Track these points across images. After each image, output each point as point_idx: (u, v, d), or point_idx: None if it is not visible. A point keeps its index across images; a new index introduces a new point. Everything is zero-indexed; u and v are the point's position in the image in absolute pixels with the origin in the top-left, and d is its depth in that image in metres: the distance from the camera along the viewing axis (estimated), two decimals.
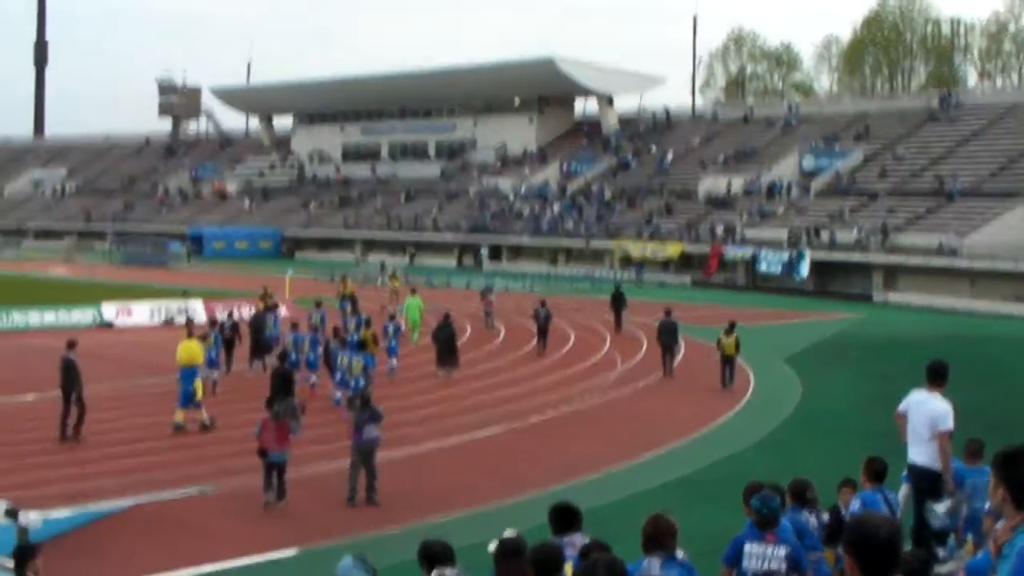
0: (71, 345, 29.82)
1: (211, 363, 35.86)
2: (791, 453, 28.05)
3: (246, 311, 50.68)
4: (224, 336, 39.80)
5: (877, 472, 14.80)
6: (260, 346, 41.34)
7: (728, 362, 39.45)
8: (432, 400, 35.57)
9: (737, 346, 39.47)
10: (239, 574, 18.71)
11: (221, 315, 46.64)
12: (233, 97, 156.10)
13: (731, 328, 39.89)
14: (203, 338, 35.01)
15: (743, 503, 12.06)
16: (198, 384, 31.19)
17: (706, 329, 50.81)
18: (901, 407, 16.01)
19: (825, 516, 14.62)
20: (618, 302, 55.71)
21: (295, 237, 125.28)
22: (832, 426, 32.64)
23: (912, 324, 61.57)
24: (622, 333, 53.94)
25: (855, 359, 46.30)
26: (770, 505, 11.60)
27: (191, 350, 32.14)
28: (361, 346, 35.63)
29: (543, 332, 48.46)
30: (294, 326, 39.68)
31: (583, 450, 28.68)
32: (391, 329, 41.82)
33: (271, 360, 37.63)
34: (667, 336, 42.54)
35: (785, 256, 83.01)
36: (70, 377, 29.08)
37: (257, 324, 42.32)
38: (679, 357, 44.11)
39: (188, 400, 30.84)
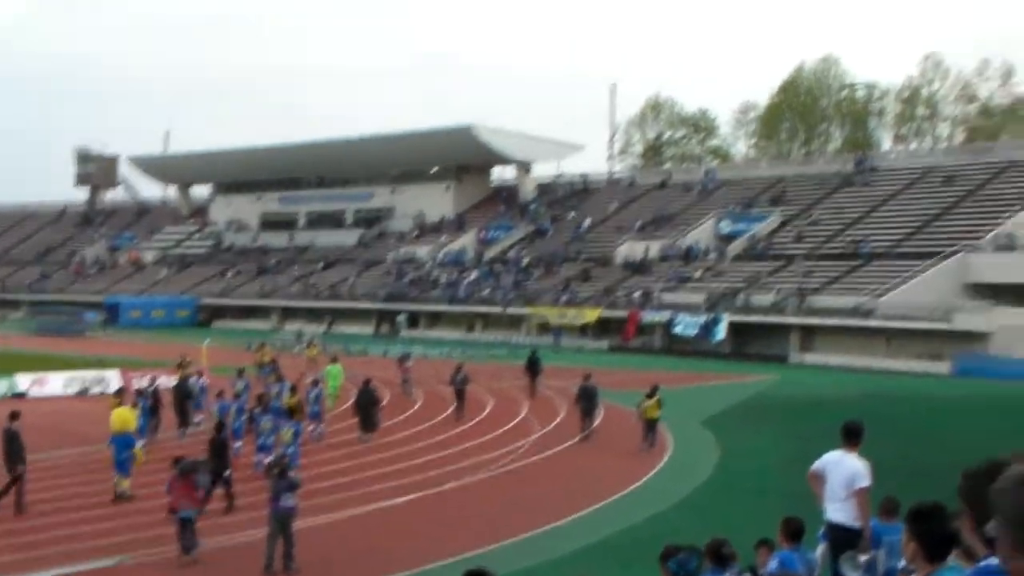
0: (14, 416, 29.39)
1: (140, 431, 35.14)
2: (710, 514, 27.86)
3: (164, 380, 50.21)
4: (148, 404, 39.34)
5: (794, 532, 14.76)
6: (187, 413, 41.45)
7: (650, 425, 39.43)
8: (351, 467, 35.21)
9: (659, 408, 39.57)
10: None
11: (141, 383, 46.21)
12: (151, 166, 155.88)
13: (653, 391, 40.03)
14: (133, 406, 34.63)
15: (660, 565, 11.94)
16: (137, 450, 31.13)
17: (624, 393, 50.77)
18: (816, 467, 16.24)
19: None
20: (533, 367, 55.94)
21: (212, 305, 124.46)
22: (750, 487, 32.57)
23: (829, 384, 61.91)
24: (537, 397, 53.95)
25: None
26: (687, 568, 11.58)
27: (124, 417, 31.92)
28: (290, 414, 35.79)
29: (460, 396, 48.20)
30: (220, 394, 39.69)
31: (502, 515, 28.37)
32: (313, 395, 42.07)
33: (197, 428, 38.81)
34: (586, 401, 42.54)
35: (702, 319, 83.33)
36: (14, 448, 28.57)
37: (183, 391, 42.29)
38: (598, 421, 44.03)
39: (124, 467, 30.47)
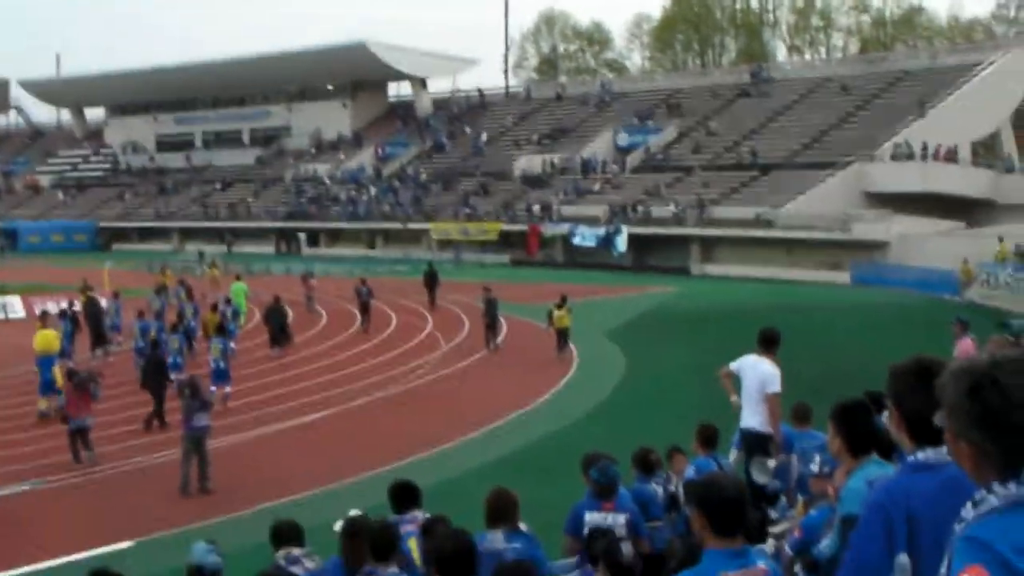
0: None
1: (63, 353, 35.41)
2: (620, 424, 28.08)
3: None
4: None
5: (708, 438, 14.96)
6: (101, 335, 41.99)
7: (562, 334, 40.56)
8: (261, 386, 35.20)
9: (570, 317, 40.83)
10: (77, 569, 18.16)
11: (59, 306, 47.05)
12: (43, 90, 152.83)
13: (563, 301, 41.07)
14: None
15: (582, 473, 12.02)
16: (56, 371, 31.36)
17: (527, 307, 50.97)
18: (732, 366, 16.45)
19: (671, 486, 14.51)
20: (431, 280, 57.34)
21: (111, 228, 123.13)
22: (658, 397, 32.87)
23: (731, 294, 62.43)
24: (437, 309, 54.89)
25: None
26: (608, 474, 11.64)
27: (48, 339, 33.06)
28: (219, 330, 36.28)
29: (365, 309, 49.37)
30: (140, 314, 40.38)
31: (415, 429, 28.44)
32: (229, 313, 43.14)
33: (113, 348, 41.47)
34: (491, 312, 43.30)
35: (601, 231, 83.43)
36: None
37: (95, 313, 42.62)
38: (502, 335, 44.28)
39: (48, 388, 31.28)
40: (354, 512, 9.55)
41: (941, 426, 3.77)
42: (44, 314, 37.67)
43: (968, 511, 3.50)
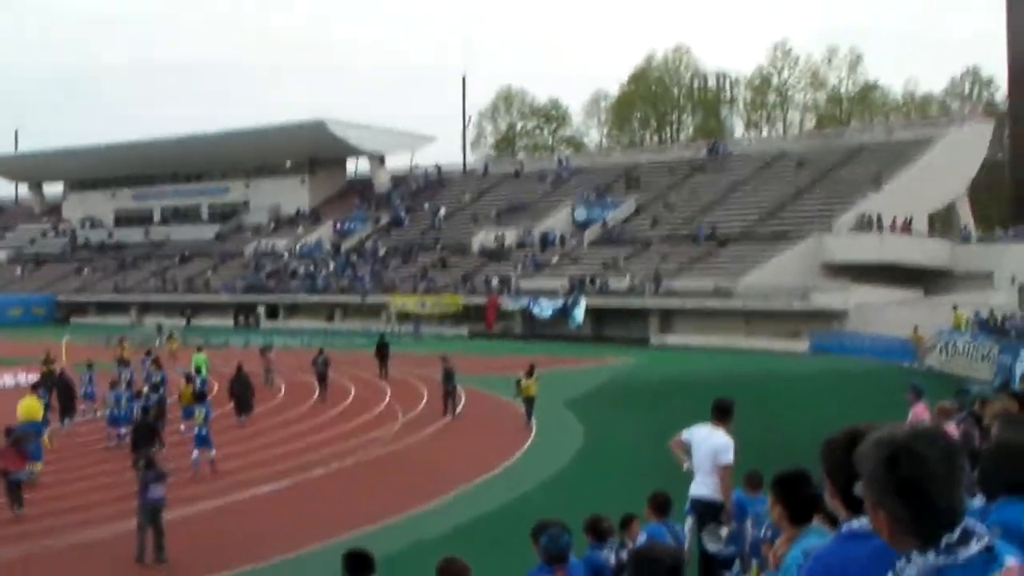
0: None
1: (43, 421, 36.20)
2: (577, 493, 27.99)
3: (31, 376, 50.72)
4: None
5: (661, 505, 15.00)
6: (71, 404, 42.30)
7: (529, 402, 41.17)
8: (221, 456, 34.94)
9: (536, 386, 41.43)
10: None
11: (15, 379, 50.16)
12: (2, 165, 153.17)
13: (531, 370, 41.74)
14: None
15: (532, 541, 11.97)
16: (44, 439, 33.26)
17: (485, 378, 51.02)
18: (683, 435, 16.49)
19: (624, 554, 14.49)
20: (382, 350, 58.21)
21: (70, 302, 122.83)
22: (615, 466, 32.75)
23: (689, 364, 62.59)
24: (390, 379, 55.57)
25: None
26: (558, 542, 11.55)
27: (31, 407, 33.93)
28: (200, 397, 36.91)
29: (322, 379, 50.08)
30: (113, 384, 40.81)
31: (371, 500, 28.29)
32: (198, 383, 44.14)
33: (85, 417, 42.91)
34: (449, 381, 43.78)
35: (559, 303, 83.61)
36: None
37: (67, 383, 43.16)
38: (461, 404, 44.36)
39: (37, 455, 31.48)
40: None
41: (859, 496, 3.82)
42: (35, 386, 38.83)
43: None
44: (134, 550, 22.44)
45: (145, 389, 42.57)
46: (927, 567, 3.48)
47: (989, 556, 3.51)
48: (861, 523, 4.39)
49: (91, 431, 40.87)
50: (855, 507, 4.51)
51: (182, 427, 38.67)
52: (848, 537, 4.50)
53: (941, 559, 3.48)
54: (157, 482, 22.93)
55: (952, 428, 16.88)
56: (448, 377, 43.64)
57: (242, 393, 43.27)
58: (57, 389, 42.55)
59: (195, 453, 32.53)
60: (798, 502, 6.90)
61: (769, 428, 34.25)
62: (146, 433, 31.75)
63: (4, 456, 26.94)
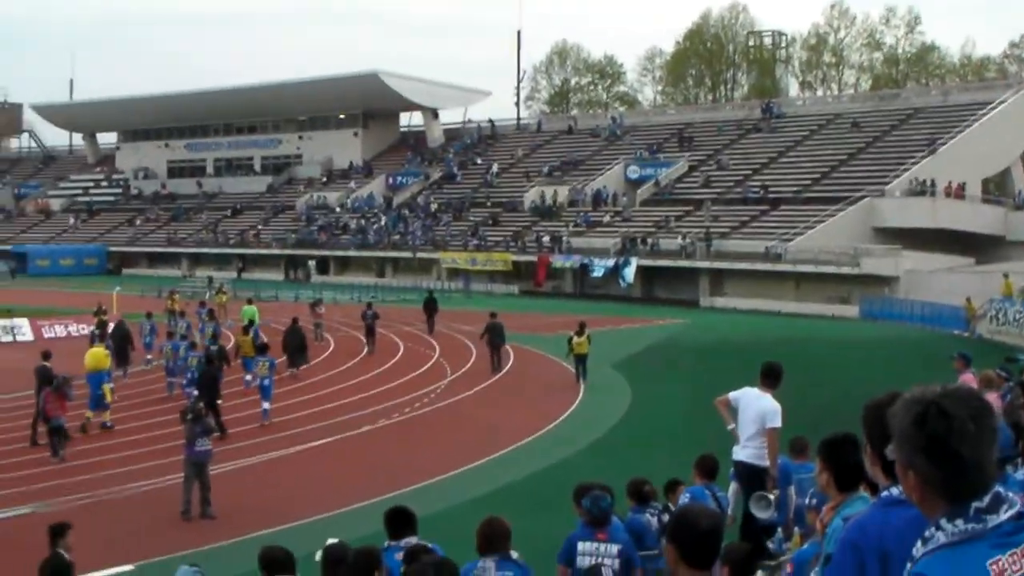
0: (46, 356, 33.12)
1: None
2: (622, 457, 27.90)
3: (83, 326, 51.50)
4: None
5: (708, 469, 15.01)
6: (126, 355, 43.73)
7: (580, 360, 41.20)
8: (272, 409, 35.10)
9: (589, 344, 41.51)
10: None
11: (67, 329, 52.91)
12: (56, 114, 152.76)
13: (582, 328, 41.65)
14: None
15: (574, 503, 12.04)
16: (106, 388, 33.73)
17: (535, 337, 51.03)
18: (731, 396, 16.38)
19: (666, 517, 14.52)
20: (430, 307, 58.25)
21: (121, 253, 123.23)
22: (662, 430, 32.77)
23: (739, 328, 62.41)
24: (436, 334, 55.95)
25: None
26: (600, 504, 11.65)
27: (98, 356, 35.00)
28: (263, 349, 38.18)
29: (371, 332, 50.69)
30: (171, 335, 43.19)
31: (415, 458, 28.42)
32: (252, 333, 44.40)
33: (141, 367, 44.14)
34: (495, 336, 44.16)
35: (611, 262, 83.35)
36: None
37: (124, 333, 44.59)
38: (509, 363, 44.41)
39: (98, 403, 33.28)
40: (332, 541, 9.58)
41: (892, 459, 3.82)
42: (96, 333, 41.59)
43: (918, 549, 3.56)
44: (180, 504, 22.71)
45: (205, 340, 43.77)
46: (956, 533, 3.47)
47: (1020, 523, 3.51)
48: (900, 490, 4.34)
49: (146, 381, 41.35)
50: (895, 474, 4.58)
51: (248, 376, 39.21)
52: (888, 503, 4.51)
53: (971, 526, 3.48)
54: (204, 436, 23.20)
55: (994, 397, 16.80)
56: (496, 332, 43.99)
57: (296, 345, 43.98)
58: (114, 339, 43.30)
59: (265, 404, 33.46)
60: (846, 468, 6.79)
61: (817, 394, 34.20)
62: (210, 382, 32.47)
63: (47, 401, 28.28)
